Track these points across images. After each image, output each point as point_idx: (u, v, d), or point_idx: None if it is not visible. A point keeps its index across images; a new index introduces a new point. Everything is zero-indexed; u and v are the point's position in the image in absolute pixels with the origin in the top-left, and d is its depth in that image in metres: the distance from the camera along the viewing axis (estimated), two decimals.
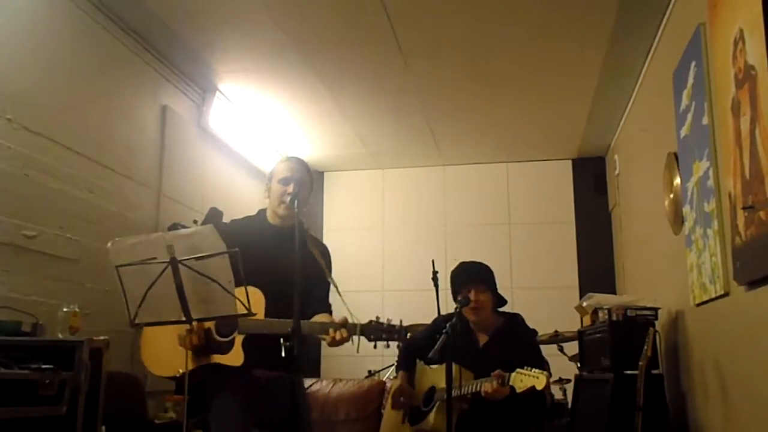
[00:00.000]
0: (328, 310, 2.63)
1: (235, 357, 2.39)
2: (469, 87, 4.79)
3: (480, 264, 3.14)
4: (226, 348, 2.42)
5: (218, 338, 2.44)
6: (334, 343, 2.33)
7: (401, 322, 2.37)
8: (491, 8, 3.74)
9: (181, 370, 2.29)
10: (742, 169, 2.40)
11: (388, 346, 2.36)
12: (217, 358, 2.42)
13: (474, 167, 6.51)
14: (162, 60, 4.31)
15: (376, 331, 2.34)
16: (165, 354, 2.44)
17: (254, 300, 2.36)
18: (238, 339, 2.40)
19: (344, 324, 2.34)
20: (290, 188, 2.59)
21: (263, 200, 2.74)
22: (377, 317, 2.37)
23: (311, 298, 2.49)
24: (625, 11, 3.70)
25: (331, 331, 2.33)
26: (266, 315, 2.40)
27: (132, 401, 3.41)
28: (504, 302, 3.15)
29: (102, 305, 3.36)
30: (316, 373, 6.05)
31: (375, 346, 2.36)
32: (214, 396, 2.46)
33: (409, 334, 2.63)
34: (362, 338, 2.35)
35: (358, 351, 2.38)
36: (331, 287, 2.60)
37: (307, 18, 3.86)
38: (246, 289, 2.15)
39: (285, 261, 2.31)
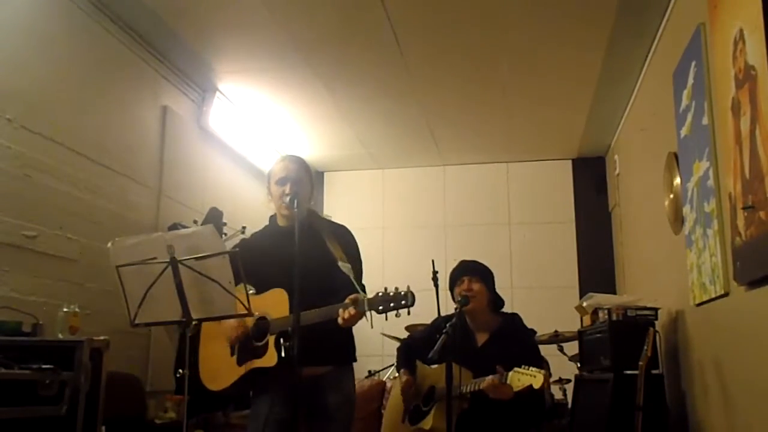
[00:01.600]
0: (356, 293, 2.58)
1: (269, 358, 2.41)
2: (469, 87, 4.79)
3: (478, 262, 3.16)
4: (261, 351, 2.44)
5: (255, 343, 2.47)
6: (344, 322, 2.32)
7: (408, 287, 2.32)
8: (491, 8, 3.74)
9: (181, 371, 2.30)
10: (742, 169, 2.40)
11: (398, 315, 2.33)
12: (255, 363, 2.46)
13: (474, 167, 6.51)
14: (162, 60, 4.31)
15: (383, 302, 2.31)
16: (217, 369, 2.53)
17: (279, 300, 2.41)
18: (271, 340, 2.42)
19: (353, 302, 2.32)
20: (287, 189, 2.59)
21: (268, 204, 2.74)
22: (385, 288, 2.36)
23: (338, 288, 2.46)
24: (625, 11, 3.70)
25: (340, 311, 2.33)
26: (290, 312, 2.40)
27: (132, 401, 3.41)
28: (501, 303, 3.15)
29: (102, 305, 3.35)
30: None
31: (386, 318, 2.33)
32: (254, 398, 2.55)
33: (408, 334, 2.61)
34: (374, 313, 2.33)
35: (372, 326, 2.38)
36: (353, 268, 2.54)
37: (307, 18, 3.86)
38: (246, 290, 2.15)
39: (300, 258, 2.31)
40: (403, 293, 2.31)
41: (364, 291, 2.49)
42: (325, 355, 2.44)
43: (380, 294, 2.34)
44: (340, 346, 2.58)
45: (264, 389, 2.51)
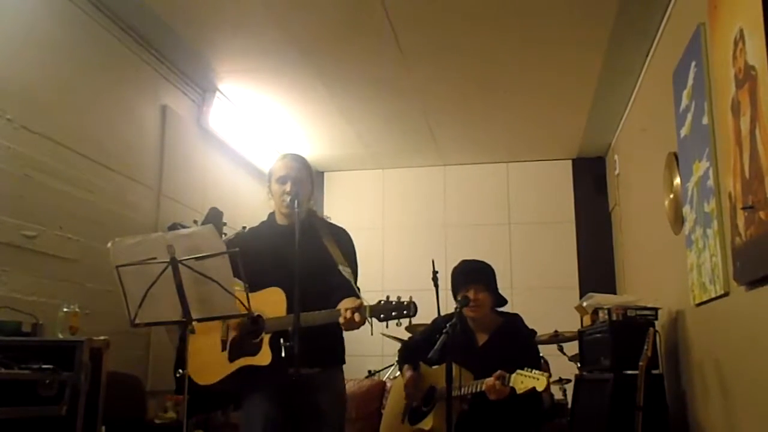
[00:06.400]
0: (355, 296, 2.55)
1: (263, 357, 2.41)
2: (469, 87, 4.79)
3: (481, 263, 3.14)
4: (255, 349, 2.44)
5: (249, 340, 2.47)
6: (347, 323, 2.32)
7: (411, 297, 2.35)
8: (492, 9, 3.74)
9: (181, 371, 2.30)
10: (742, 169, 2.40)
11: (399, 323, 2.36)
12: (247, 361, 2.45)
13: (474, 167, 6.51)
14: (162, 60, 4.31)
15: (385, 310, 2.33)
16: (207, 364, 2.51)
17: (275, 299, 2.41)
18: (266, 338, 2.42)
19: (358, 307, 2.31)
20: (287, 187, 2.59)
21: (268, 201, 2.74)
22: (387, 296, 2.36)
23: (334, 288, 2.47)
24: (625, 11, 3.70)
25: (345, 314, 2.32)
26: (287, 313, 2.40)
27: (132, 401, 3.41)
28: (504, 302, 3.15)
29: (102, 305, 3.35)
30: None
31: (387, 326, 2.35)
32: (245, 397, 2.52)
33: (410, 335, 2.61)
34: (374, 320, 2.34)
35: (372, 333, 2.38)
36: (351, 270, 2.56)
37: (307, 18, 3.86)
38: (247, 292, 2.15)
39: (299, 258, 2.31)
40: (405, 303, 2.33)
41: (359, 295, 2.51)
42: (317, 356, 2.41)
43: (382, 302, 2.36)
44: (331, 348, 2.58)
45: (255, 388, 2.49)
